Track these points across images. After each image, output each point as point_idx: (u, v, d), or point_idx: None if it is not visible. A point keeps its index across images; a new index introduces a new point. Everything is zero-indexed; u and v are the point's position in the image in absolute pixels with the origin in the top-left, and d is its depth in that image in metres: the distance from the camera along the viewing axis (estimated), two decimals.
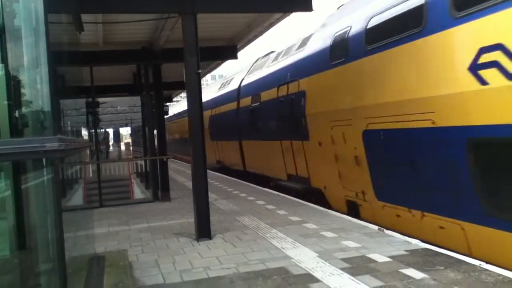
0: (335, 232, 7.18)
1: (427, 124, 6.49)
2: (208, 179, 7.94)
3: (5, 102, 3.66)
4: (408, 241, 6.47)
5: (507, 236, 5.47)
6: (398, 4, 7.46)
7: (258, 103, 14.43)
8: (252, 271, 5.60)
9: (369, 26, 8.15)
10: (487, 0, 5.56)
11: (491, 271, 5.09)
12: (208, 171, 12.11)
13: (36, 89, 3.26)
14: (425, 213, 6.88)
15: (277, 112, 12.62)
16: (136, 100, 20.93)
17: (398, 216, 7.51)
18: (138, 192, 15.75)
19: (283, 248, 6.48)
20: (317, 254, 6.08)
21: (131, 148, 52.28)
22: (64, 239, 3.13)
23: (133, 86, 16.29)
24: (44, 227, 3.33)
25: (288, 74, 11.98)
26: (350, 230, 7.26)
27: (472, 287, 4.66)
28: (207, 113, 19.93)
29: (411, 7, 7.06)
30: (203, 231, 7.38)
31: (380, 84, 7.65)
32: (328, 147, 9.57)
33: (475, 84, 5.65)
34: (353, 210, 8.98)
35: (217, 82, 24.52)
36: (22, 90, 3.62)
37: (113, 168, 20.72)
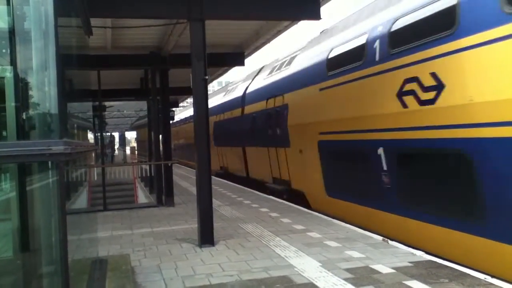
0: (339, 242, 7.13)
1: None
2: (212, 185, 7.93)
3: (13, 104, 3.68)
4: (412, 253, 6.42)
5: None
6: None
7: None
8: (254, 279, 5.56)
9: None
10: None
11: (496, 285, 5.03)
12: (213, 177, 12.05)
13: (44, 92, 3.27)
14: None
15: None
16: (143, 104, 21.02)
17: None
18: (142, 196, 15.74)
19: (286, 257, 6.45)
20: (321, 264, 6.04)
21: (136, 152, 52.21)
22: (68, 241, 3.13)
23: (140, 91, 16.35)
24: (48, 229, 3.33)
25: None
26: (354, 240, 7.21)
27: None
28: None
29: None
30: (206, 238, 7.36)
31: None
32: None
33: None
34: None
35: None
36: (30, 93, 3.64)
37: (118, 172, 20.76)
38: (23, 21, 3.63)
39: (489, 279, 5.23)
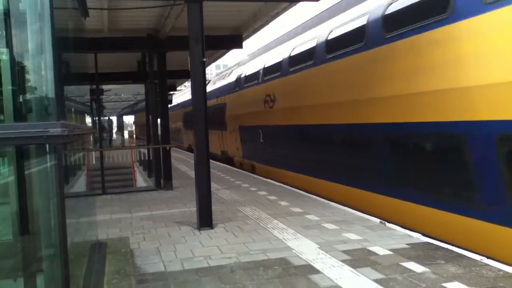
0: (337, 224, 7.18)
1: None
2: (211, 169, 7.94)
3: (9, 87, 3.65)
4: (409, 235, 6.47)
5: None
6: None
7: None
8: (253, 261, 5.61)
9: None
10: None
11: (491, 266, 5.09)
12: (212, 161, 11.99)
13: (41, 75, 3.25)
14: None
15: None
16: (140, 88, 20.93)
17: None
18: (141, 180, 15.78)
19: (284, 239, 6.49)
20: (318, 246, 6.09)
21: (134, 136, 51.88)
22: (67, 225, 3.14)
23: (138, 74, 16.26)
24: (47, 213, 3.34)
25: None
26: (352, 223, 7.26)
27: (473, 282, 4.66)
28: None
29: None
30: (205, 220, 7.39)
31: None
32: None
33: None
34: None
35: None
36: (27, 76, 3.61)
37: (116, 155, 20.77)
38: (18, 3, 3.58)
39: (485, 260, 5.28)
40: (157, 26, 11.13)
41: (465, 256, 5.48)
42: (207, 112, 7.58)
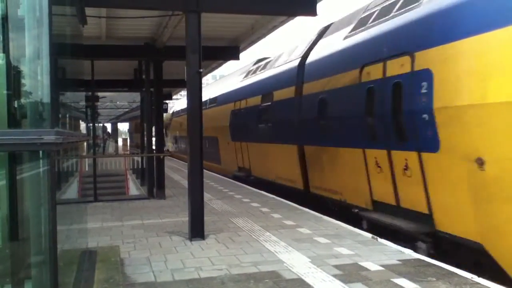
0: (329, 238, 7.16)
1: None
2: (204, 179, 7.93)
3: (5, 92, 3.64)
4: (401, 251, 6.47)
5: None
6: None
7: None
8: (243, 273, 5.58)
9: None
10: None
11: (482, 284, 5.09)
12: (205, 171, 12.04)
13: (36, 81, 3.25)
14: None
15: None
16: (136, 96, 20.93)
17: None
18: (133, 188, 15.70)
19: (275, 252, 6.46)
20: (310, 260, 6.07)
21: (128, 144, 51.61)
22: (57, 232, 3.12)
23: (134, 82, 16.28)
24: (38, 219, 3.31)
25: None
26: (344, 237, 7.25)
27: None
28: None
29: None
30: (197, 231, 7.36)
31: None
32: None
33: None
34: None
35: None
36: (22, 81, 3.61)
37: (109, 163, 20.66)
38: (16, 8, 3.59)
39: (476, 278, 5.28)
40: (155, 35, 11.18)
41: (456, 274, 5.48)
42: (202, 122, 7.58)
